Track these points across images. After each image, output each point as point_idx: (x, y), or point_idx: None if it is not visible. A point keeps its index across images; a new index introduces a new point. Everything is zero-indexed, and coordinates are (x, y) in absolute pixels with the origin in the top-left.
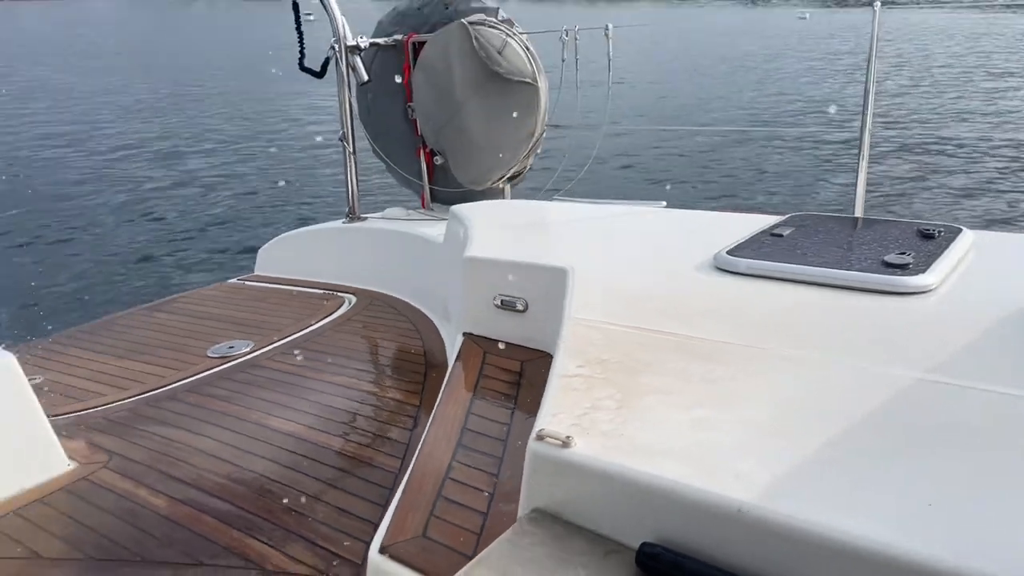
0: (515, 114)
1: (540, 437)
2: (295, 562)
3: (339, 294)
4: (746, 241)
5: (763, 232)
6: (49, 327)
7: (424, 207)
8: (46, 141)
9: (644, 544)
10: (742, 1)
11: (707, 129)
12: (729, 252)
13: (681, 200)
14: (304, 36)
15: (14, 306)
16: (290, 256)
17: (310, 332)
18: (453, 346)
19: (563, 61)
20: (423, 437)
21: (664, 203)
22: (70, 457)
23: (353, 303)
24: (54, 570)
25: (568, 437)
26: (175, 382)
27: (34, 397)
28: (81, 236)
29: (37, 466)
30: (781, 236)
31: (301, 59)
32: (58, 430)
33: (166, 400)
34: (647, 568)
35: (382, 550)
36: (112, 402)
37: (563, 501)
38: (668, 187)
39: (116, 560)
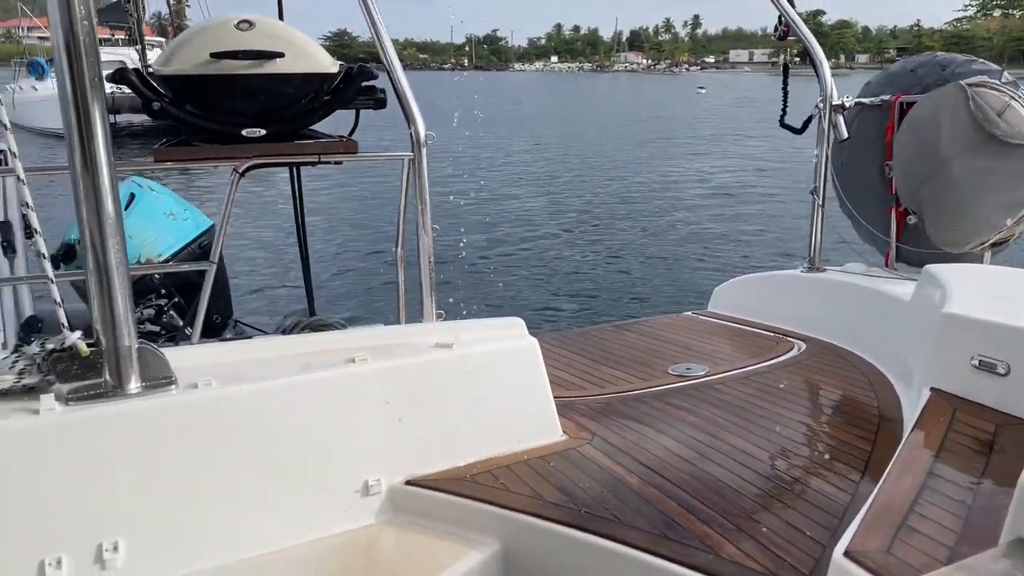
0: (1011, 178)
1: None
2: (747, 557)
3: (789, 339)
4: None
5: None
6: (547, 326)
7: (888, 265)
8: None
9: None
10: None
11: None
12: None
13: None
14: (787, 96)
15: (538, 305)
16: (744, 298)
17: (760, 368)
18: (914, 402)
19: None
20: (886, 472)
21: None
22: (563, 431)
23: (803, 349)
24: (552, 510)
25: None
26: (641, 389)
27: (546, 377)
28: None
29: (543, 431)
30: None
31: (782, 116)
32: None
33: (634, 401)
34: None
35: (847, 553)
36: (591, 395)
37: None
38: None
39: (599, 517)
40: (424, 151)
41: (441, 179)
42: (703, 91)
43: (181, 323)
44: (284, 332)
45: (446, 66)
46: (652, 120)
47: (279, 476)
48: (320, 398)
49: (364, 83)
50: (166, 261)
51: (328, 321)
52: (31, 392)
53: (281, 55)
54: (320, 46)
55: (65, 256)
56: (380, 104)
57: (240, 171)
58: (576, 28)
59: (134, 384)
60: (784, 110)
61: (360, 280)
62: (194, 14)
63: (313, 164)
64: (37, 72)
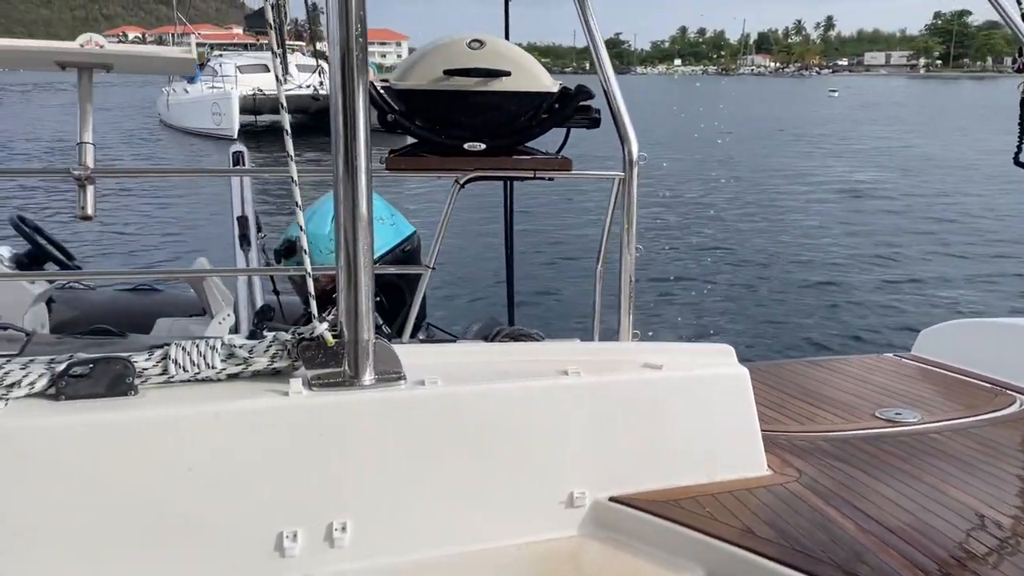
0: None
1: None
2: None
3: (1010, 392)
4: None
5: None
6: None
7: None
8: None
9: None
10: None
11: None
12: None
13: None
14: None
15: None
16: (956, 343)
17: (978, 421)
18: None
19: None
20: None
21: None
22: (767, 465)
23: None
24: (763, 544)
25: None
26: (847, 430)
27: (755, 409)
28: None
29: (748, 464)
30: None
31: (1017, 154)
32: None
33: (841, 442)
34: None
35: None
36: (794, 431)
37: None
38: None
39: (814, 558)
40: (635, 171)
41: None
42: (835, 94)
43: (381, 322)
44: (486, 339)
45: (567, 70)
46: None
47: (492, 476)
48: (535, 406)
49: (581, 103)
50: (375, 262)
51: (527, 331)
52: (279, 375)
53: (507, 73)
54: (541, 66)
55: (286, 252)
56: (594, 124)
57: (461, 183)
58: (702, 31)
59: (368, 376)
60: (1019, 147)
61: (548, 292)
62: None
63: (528, 179)
64: (189, 77)
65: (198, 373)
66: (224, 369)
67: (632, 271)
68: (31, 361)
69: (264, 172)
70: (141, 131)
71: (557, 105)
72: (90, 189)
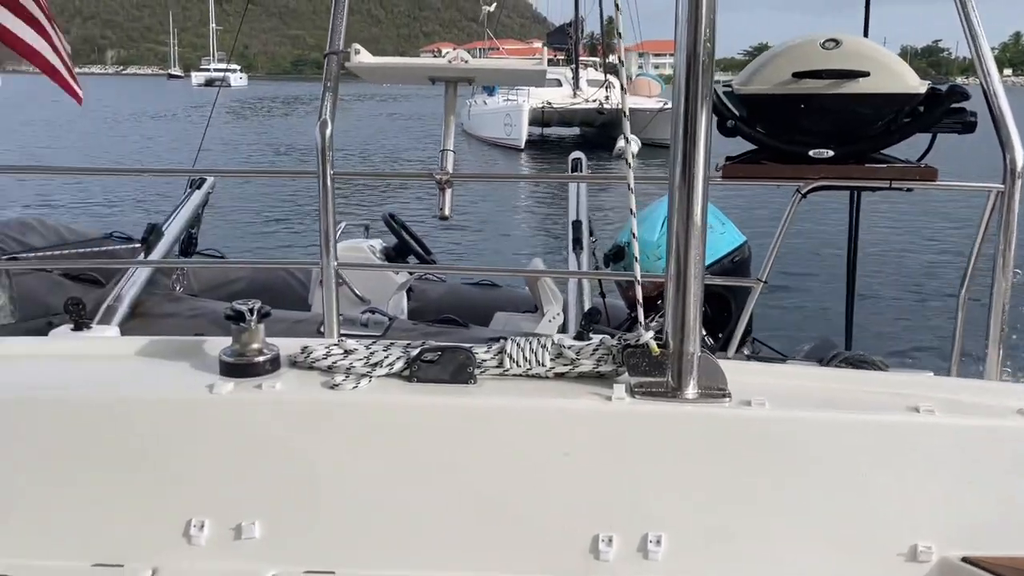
0: None
1: None
2: None
3: None
4: None
5: None
6: None
7: None
8: None
9: None
10: None
11: None
12: None
13: None
14: None
15: None
16: None
17: None
18: None
19: None
20: None
21: None
22: None
23: None
24: None
25: None
26: None
27: None
28: None
29: None
30: None
31: None
32: None
33: None
34: None
35: None
36: None
37: None
38: None
39: None
40: (1019, 183)
41: None
42: None
43: (705, 333)
44: (820, 362)
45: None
46: None
47: (819, 513)
48: (878, 443)
49: (954, 104)
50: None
51: (869, 358)
52: (603, 379)
53: (865, 74)
54: (907, 65)
55: (615, 256)
56: (968, 128)
57: (803, 192)
58: None
59: (692, 390)
60: None
61: (893, 316)
62: (625, 33)
63: (882, 189)
64: (489, 89)
65: (529, 369)
66: (552, 368)
67: (1007, 299)
68: (391, 344)
69: (599, 179)
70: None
71: (923, 108)
72: (448, 192)
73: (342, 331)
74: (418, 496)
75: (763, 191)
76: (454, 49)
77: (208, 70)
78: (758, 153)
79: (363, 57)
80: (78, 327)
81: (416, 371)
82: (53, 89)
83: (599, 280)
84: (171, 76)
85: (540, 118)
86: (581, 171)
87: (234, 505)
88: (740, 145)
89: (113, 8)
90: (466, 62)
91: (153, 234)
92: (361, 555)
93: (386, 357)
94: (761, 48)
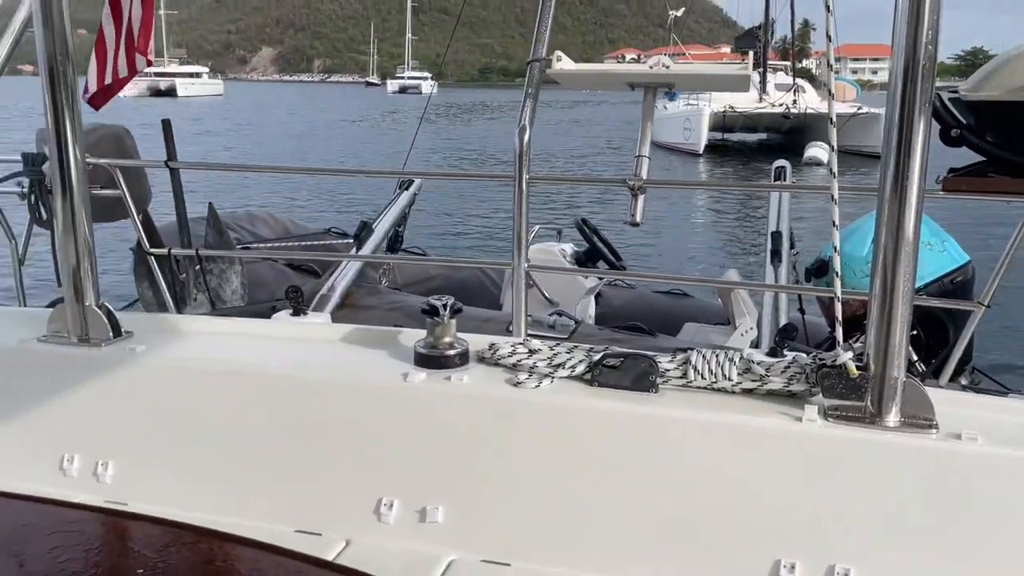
0: None
1: None
2: None
3: None
4: None
5: None
6: None
7: None
8: None
9: None
10: None
11: None
12: None
13: None
14: None
15: None
16: None
17: None
18: None
19: None
20: None
21: None
22: None
23: None
24: None
25: None
26: None
27: None
28: None
29: None
30: None
31: None
32: None
33: None
34: None
35: None
36: None
37: None
38: None
39: None
40: None
41: None
42: None
43: (916, 358)
44: None
45: None
46: None
47: (1021, 565)
48: None
49: None
50: (917, 292)
51: None
52: (794, 398)
53: None
54: None
55: (817, 271)
56: None
57: None
58: None
59: (893, 417)
60: None
61: None
62: (818, 38)
63: None
64: (670, 94)
65: (714, 382)
66: (740, 383)
67: None
68: (575, 347)
69: (804, 188)
70: (623, 143)
71: None
72: (641, 198)
73: (529, 332)
74: (594, 499)
75: (993, 207)
76: (638, 55)
77: (402, 78)
78: (986, 165)
79: (564, 64)
80: (296, 312)
81: (597, 375)
82: (272, 94)
83: (798, 295)
84: (368, 84)
85: (721, 123)
86: (784, 180)
87: (421, 489)
88: (960, 156)
89: (322, 20)
90: (667, 68)
91: (365, 231)
92: (537, 551)
93: (569, 359)
94: (976, 52)
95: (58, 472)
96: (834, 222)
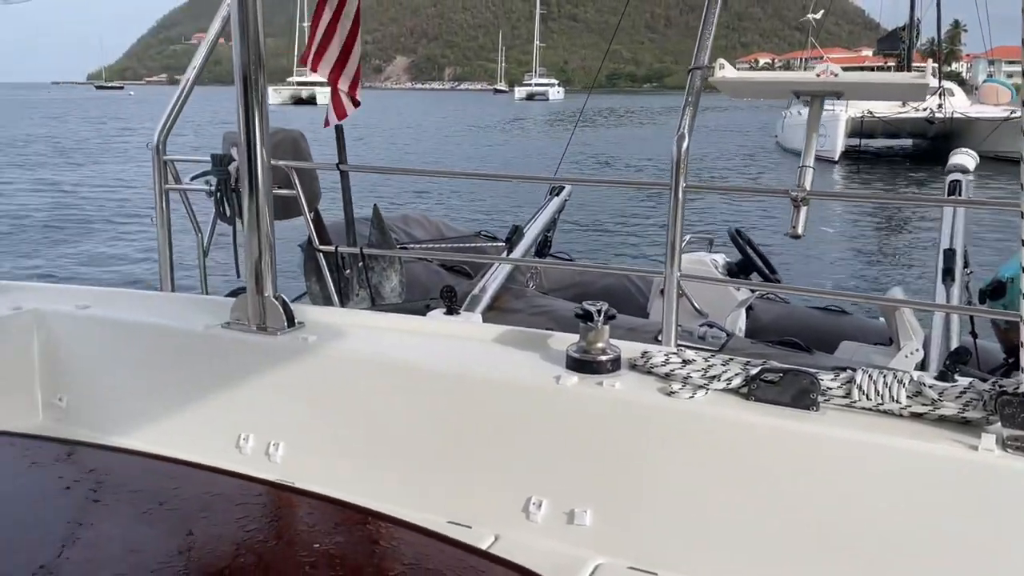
0: None
1: None
2: None
3: None
4: None
5: None
6: None
7: None
8: None
9: None
10: None
11: None
12: None
13: None
14: None
15: None
16: None
17: None
18: None
19: None
20: None
21: None
22: None
23: None
24: None
25: None
26: None
27: None
28: None
29: None
30: None
31: None
32: None
33: None
34: None
35: None
36: None
37: None
38: None
39: None
40: None
41: None
42: None
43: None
44: None
45: None
46: None
47: None
48: None
49: None
50: None
51: None
52: (969, 426)
53: None
54: None
55: (993, 292)
56: None
57: None
58: None
59: None
60: None
61: None
62: (970, 39)
63: None
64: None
65: (880, 404)
66: (909, 406)
67: None
68: (730, 360)
69: (982, 204)
70: (756, 151)
71: None
72: (803, 210)
73: (679, 342)
74: (746, 515)
75: None
76: (772, 60)
77: (529, 85)
78: None
79: (726, 72)
80: (449, 311)
81: (755, 389)
82: (404, 100)
83: (971, 317)
84: (496, 91)
85: (859, 128)
86: (959, 195)
87: (569, 490)
88: None
89: (453, 30)
90: (835, 75)
91: (516, 234)
92: (685, 563)
93: (724, 371)
94: None
95: (234, 449)
96: (1022, 240)
